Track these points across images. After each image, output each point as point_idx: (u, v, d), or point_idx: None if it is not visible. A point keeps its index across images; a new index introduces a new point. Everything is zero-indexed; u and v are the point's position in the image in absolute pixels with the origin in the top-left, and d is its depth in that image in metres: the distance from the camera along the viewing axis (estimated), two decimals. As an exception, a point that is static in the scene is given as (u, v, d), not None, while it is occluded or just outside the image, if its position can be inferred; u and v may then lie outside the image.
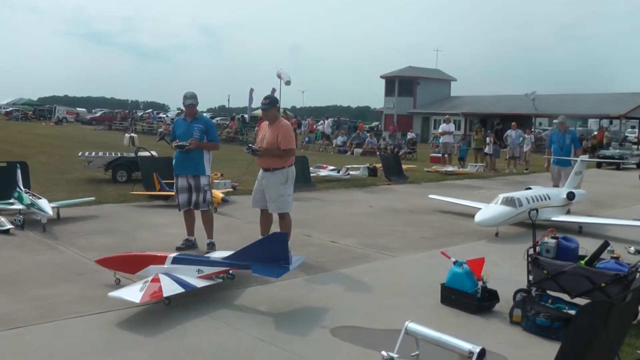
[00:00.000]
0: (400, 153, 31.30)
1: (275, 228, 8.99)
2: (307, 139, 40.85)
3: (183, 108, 9.57)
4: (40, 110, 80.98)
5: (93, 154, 18.59)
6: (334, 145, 38.21)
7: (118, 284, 7.18)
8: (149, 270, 7.11)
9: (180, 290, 6.64)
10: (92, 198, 13.09)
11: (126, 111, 74.32)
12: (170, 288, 6.60)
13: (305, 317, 6.34)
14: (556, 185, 14.41)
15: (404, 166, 22.24)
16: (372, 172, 20.86)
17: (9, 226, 10.09)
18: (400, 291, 7.37)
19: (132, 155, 17.63)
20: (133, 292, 6.40)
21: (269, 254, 6.96)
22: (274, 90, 34.80)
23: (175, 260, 7.20)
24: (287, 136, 8.79)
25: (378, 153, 30.39)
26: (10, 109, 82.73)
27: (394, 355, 4.38)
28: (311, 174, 18.18)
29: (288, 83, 36.44)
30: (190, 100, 9.19)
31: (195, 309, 6.49)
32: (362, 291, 7.40)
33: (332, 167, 20.41)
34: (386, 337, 5.59)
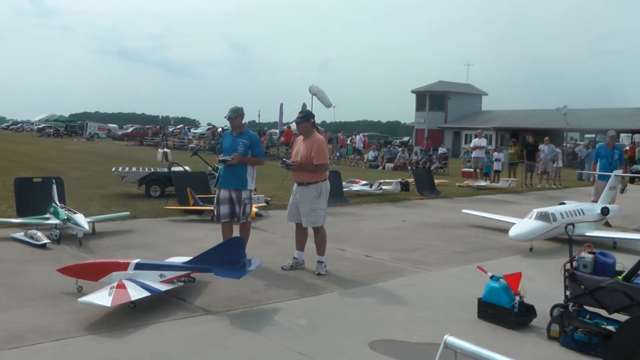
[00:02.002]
0: (431, 168, 31.23)
1: (310, 242, 9.05)
2: (338, 154, 40.91)
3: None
4: (72, 127, 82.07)
5: (126, 169, 18.78)
6: (365, 160, 38.25)
7: (80, 292, 7.34)
8: (112, 277, 7.29)
9: (146, 294, 6.90)
10: (127, 213, 13.22)
11: (158, 127, 74.86)
12: (136, 293, 6.84)
13: (343, 331, 6.37)
14: (596, 201, 14.30)
15: (435, 181, 22.21)
16: (405, 186, 20.86)
17: (46, 241, 10.22)
18: (437, 305, 7.39)
19: (166, 170, 17.83)
20: (102, 297, 6.64)
21: (228, 257, 7.36)
22: (304, 105, 34.89)
23: (138, 266, 7.42)
24: (321, 151, 8.85)
25: (410, 168, 30.34)
26: (43, 125, 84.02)
27: (434, 368, 4.36)
28: (344, 189, 18.24)
29: (329, 106, 36.39)
30: (229, 113, 9.38)
31: (234, 323, 6.56)
32: (398, 305, 7.43)
33: (364, 182, 20.41)
34: (424, 350, 5.63)
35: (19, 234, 10.66)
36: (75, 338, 6.02)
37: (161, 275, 7.33)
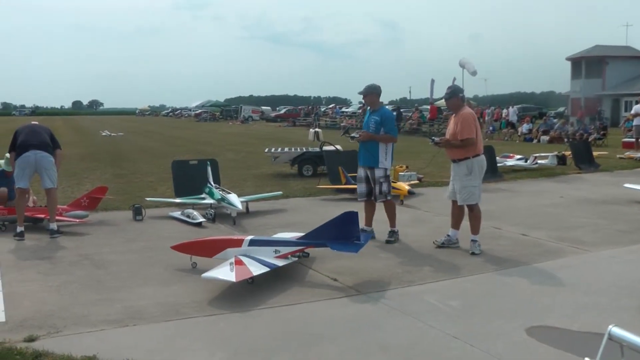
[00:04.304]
0: (589, 139, 29.74)
1: (465, 220, 8.87)
2: (491, 128, 39.87)
3: (364, 102, 9.94)
4: (227, 111, 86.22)
5: (279, 149, 19.23)
6: (519, 133, 37.06)
7: (194, 268, 7.59)
8: (227, 253, 7.44)
9: (265, 269, 7.02)
10: (280, 192, 13.56)
11: (309, 107, 76.14)
12: (256, 269, 6.95)
13: (499, 315, 6.17)
14: None
15: (594, 153, 21.16)
16: (561, 160, 20.03)
17: (201, 219, 10.70)
18: (599, 290, 6.96)
19: (317, 150, 18.06)
20: (225, 273, 6.79)
21: (342, 232, 7.34)
22: (454, 79, 34.36)
23: (252, 243, 7.56)
24: (465, 126, 8.64)
25: (566, 140, 29.09)
26: (199, 111, 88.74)
27: (598, 362, 4.06)
28: (498, 164, 17.75)
29: (474, 73, 35.80)
30: (361, 91, 9.51)
31: (384, 304, 6.52)
32: (557, 288, 7.08)
33: (519, 157, 19.80)
34: (586, 340, 5.34)
35: (177, 213, 11.26)
36: (227, 314, 6.20)
37: (276, 251, 7.47)
